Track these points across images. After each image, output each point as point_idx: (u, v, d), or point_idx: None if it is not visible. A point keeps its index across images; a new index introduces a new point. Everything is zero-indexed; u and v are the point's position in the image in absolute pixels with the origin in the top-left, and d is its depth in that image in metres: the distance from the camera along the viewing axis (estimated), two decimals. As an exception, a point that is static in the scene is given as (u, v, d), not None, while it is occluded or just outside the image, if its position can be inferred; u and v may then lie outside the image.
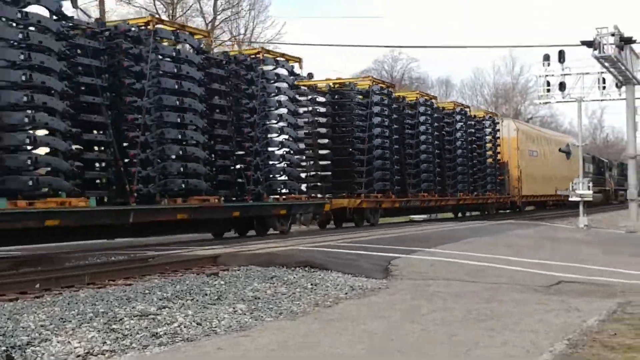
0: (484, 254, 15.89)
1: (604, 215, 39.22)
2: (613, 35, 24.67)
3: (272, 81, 22.31)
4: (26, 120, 14.93)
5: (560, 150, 40.92)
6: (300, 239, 18.86)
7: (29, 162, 14.81)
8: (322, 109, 27.30)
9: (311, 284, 11.81)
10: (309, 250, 15.35)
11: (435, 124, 32.68)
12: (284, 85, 22.38)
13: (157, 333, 8.05)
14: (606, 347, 7.26)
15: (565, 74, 30.98)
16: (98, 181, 17.79)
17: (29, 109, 14.98)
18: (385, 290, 11.83)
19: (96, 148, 17.74)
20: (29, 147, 15.10)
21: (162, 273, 12.83)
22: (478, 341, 7.65)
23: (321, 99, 27.14)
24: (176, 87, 18.55)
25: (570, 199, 29.48)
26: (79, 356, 7.15)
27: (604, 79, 31.07)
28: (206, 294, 10.42)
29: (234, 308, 9.55)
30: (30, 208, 14.54)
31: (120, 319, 8.52)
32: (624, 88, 29.22)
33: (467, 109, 37.63)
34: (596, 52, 24.53)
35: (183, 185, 18.44)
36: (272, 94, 22.21)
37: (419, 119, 31.16)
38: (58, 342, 7.50)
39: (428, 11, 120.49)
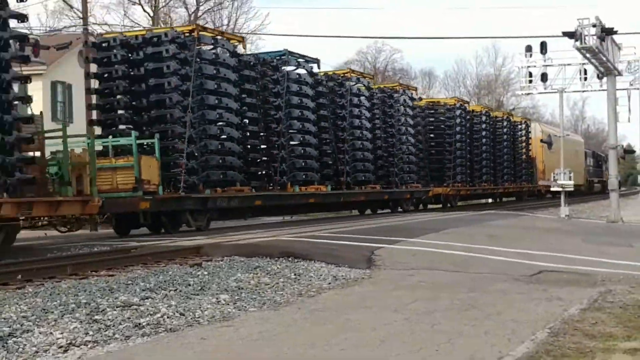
0: (465, 244, 15.95)
1: (586, 206, 39.52)
2: (594, 26, 24.65)
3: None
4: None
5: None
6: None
7: (305, 163, 26.28)
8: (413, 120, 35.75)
9: (294, 274, 11.82)
10: (293, 241, 15.36)
11: (491, 129, 43.31)
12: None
13: (139, 324, 8.03)
14: (587, 336, 7.32)
15: (547, 65, 31.00)
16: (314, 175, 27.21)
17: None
18: (368, 280, 11.86)
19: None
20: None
21: (144, 264, 12.80)
22: (461, 330, 7.70)
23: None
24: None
25: (552, 189, 29.64)
26: (61, 347, 7.12)
27: (585, 70, 31.14)
28: (189, 285, 10.40)
29: (217, 298, 9.55)
30: (305, 191, 25.89)
31: (103, 310, 8.49)
32: (605, 79, 29.26)
33: (511, 117, 48.09)
34: (577, 43, 24.52)
35: (363, 177, 29.82)
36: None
37: (482, 126, 41.84)
38: (40, 332, 7.48)
39: (411, 2, 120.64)
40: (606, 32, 25.67)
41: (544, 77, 31.09)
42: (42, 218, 16.90)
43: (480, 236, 17.99)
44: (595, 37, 24.76)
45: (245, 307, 9.27)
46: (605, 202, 36.08)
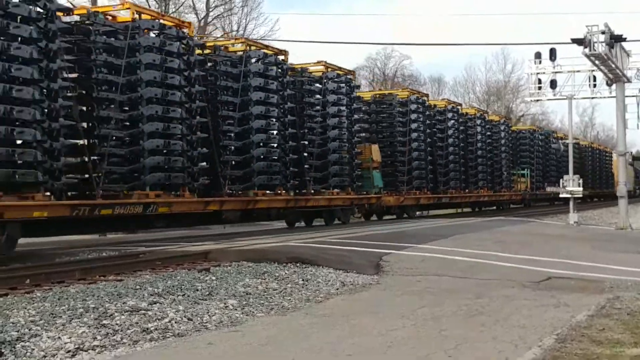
0: (474, 250, 15.94)
1: (595, 212, 39.41)
2: (603, 33, 24.63)
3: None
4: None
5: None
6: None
7: None
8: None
9: (302, 280, 11.83)
10: (301, 247, 15.37)
11: (598, 157, 66.97)
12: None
13: (147, 328, 8.06)
14: (594, 342, 7.31)
15: (556, 72, 31.01)
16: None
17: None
18: (376, 285, 11.87)
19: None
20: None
21: (153, 269, 12.82)
22: (467, 336, 7.70)
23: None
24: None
25: (560, 195, 29.62)
26: (69, 351, 7.16)
27: (594, 77, 31.10)
28: (197, 290, 10.42)
29: (225, 303, 9.57)
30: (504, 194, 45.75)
31: (111, 315, 8.52)
32: (614, 86, 29.21)
33: (606, 149, 70.23)
34: (587, 50, 24.51)
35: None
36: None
37: (589, 154, 63.76)
38: (48, 337, 7.51)
39: (420, 8, 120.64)
40: (615, 39, 25.64)
41: (553, 84, 31.07)
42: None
43: (488, 242, 17.97)
44: (604, 44, 24.74)
45: (253, 312, 9.29)
46: (615, 209, 35.93)
